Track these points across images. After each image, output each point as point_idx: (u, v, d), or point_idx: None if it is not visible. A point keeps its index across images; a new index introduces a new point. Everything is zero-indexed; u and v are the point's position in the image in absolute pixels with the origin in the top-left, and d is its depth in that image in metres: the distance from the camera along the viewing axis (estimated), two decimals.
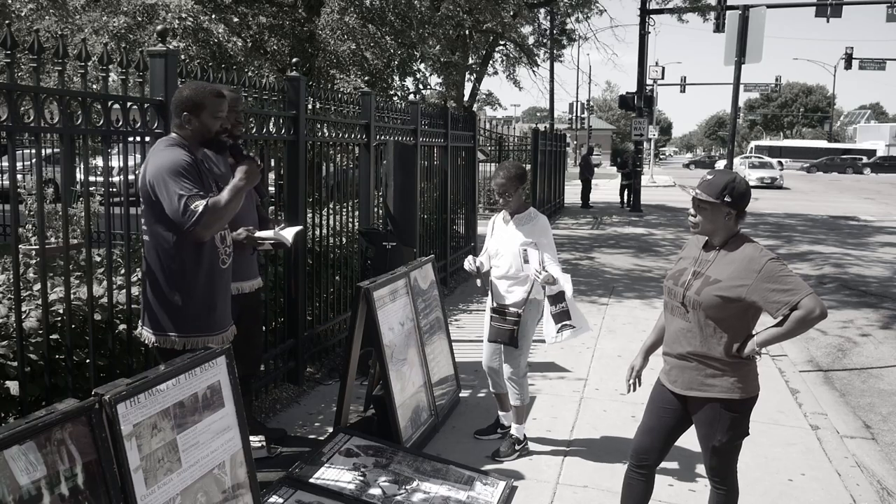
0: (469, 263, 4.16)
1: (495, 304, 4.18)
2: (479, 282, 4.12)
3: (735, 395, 2.79)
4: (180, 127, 3.07)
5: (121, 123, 3.52)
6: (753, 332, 2.81)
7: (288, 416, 4.78)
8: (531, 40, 25.23)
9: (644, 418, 3.09)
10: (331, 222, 5.96)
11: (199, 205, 2.84)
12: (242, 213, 3.67)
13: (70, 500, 2.06)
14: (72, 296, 3.42)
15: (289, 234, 3.73)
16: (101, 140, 3.49)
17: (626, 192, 21.05)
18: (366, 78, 12.27)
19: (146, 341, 3.14)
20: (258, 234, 3.68)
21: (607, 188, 26.08)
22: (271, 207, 4.94)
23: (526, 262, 4.00)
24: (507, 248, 4.11)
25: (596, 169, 26.62)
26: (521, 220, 4.12)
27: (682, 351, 2.87)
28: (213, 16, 9.94)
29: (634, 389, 3.16)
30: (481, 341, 4.35)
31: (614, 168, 39.89)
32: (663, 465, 3.15)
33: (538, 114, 62.64)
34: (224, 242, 3.17)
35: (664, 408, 2.99)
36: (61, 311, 3.37)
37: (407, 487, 3.57)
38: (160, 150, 3.02)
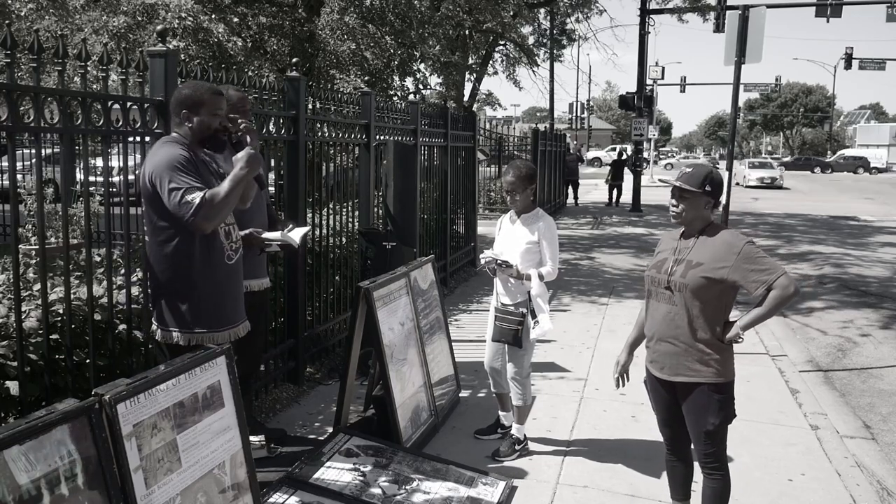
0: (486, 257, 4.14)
1: (499, 304, 4.18)
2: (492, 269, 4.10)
3: (720, 378, 2.96)
4: (179, 125, 3.12)
5: (121, 123, 3.52)
6: (731, 319, 2.98)
7: (288, 416, 4.78)
8: (531, 40, 25.33)
9: (655, 413, 3.26)
10: (331, 222, 5.96)
11: (196, 196, 2.88)
12: (253, 211, 3.68)
13: (70, 500, 2.06)
14: (72, 296, 3.41)
15: (296, 235, 3.73)
16: (100, 140, 3.49)
17: (614, 192, 21.33)
18: (366, 78, 12.27)
19: (159, 338, 3.17)
20: (265, 235, 3.69)
21: (606, 188, 26.00)
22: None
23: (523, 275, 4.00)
24: (512, 247, 4.11)
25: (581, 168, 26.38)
26: (527, 219, 4.14)
27: (667, 336, 3.01)
28: (213, 16, 9.94)
29: (623, 384, 3.33)
30: (481, 341, 4.35)
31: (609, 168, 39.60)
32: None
33: (538, 114, 62.69)
34: (230, 238, 3.18)
35: (664, 397, 3.14)
36: (61, 311, 3.36)
37: (407, 487, 3.57)
38: (157, 148, 3.08)
